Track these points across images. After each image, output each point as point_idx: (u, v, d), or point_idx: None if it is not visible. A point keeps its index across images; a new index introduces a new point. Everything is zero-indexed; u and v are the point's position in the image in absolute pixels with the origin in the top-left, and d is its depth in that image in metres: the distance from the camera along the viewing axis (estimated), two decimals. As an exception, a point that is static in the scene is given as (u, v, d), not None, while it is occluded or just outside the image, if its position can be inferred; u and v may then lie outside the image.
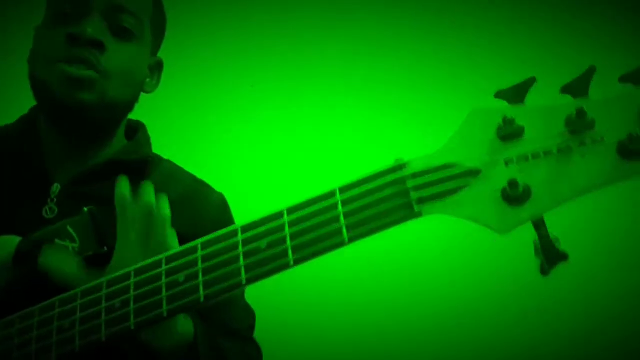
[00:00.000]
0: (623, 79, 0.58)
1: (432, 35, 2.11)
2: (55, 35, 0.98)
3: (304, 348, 1.89)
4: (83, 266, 0.85)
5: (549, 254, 0.55)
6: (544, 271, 0.55)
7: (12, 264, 0.91)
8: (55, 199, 1.01)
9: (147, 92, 1.11)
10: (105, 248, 0.93)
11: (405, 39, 2.11)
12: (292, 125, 2.07)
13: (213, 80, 2.08)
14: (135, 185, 1.02)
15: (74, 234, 0.93)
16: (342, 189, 0.62)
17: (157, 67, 1.13)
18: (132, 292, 0.73)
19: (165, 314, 0.70)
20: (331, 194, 0.63)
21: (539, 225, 0.56)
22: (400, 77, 2.09)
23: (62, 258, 0.84)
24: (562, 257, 0.54)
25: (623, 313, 1.99)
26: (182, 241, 1.00)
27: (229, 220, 1.11)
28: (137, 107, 1.09)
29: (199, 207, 1.08)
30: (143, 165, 1.07)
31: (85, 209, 0.93)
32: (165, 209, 0.76)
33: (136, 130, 1.13)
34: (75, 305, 0.77)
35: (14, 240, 0.93)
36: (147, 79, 1.10)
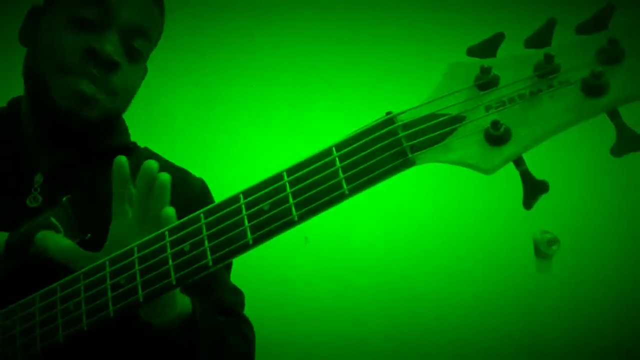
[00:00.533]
0: (579, 30, 0.65)
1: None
2: (71, 41, 0.97)
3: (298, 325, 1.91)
4: (76, 249, 0.86)
5: (530, 186, 0.62)
6: (527, 205, 0.62)
7: (2, 258, 0.92)
8: (39, 189, 1.01)
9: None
10: (89, 235, 0.95)
11: (388, 3, 2.14)
12: (291, 123, 2.08)
13: (213, 80, 2.07)
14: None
15: (58, 225, 0.94)
16: (338, 146, 0.67)
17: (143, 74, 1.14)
18: (137, 267, 0.75)
19: (174, 282, 0.72)
20: (328, 152, 0.67)
21: (520, 163, 0.63)
22: (384, 45, 2.12)
23: (57, 236, 0.85)
24: (543, 187, 0.60)
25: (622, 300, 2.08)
26: None
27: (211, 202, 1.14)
28: (136, 107, 1.11)
29: (181, 193, 1.10)
30: (123, 152, 1.09)
31: (64, 199, 0.95)
32: (165, 182, 0.78)
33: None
34: (79, 286, 0.78)
35: (1, 235, 0.94)
36: None
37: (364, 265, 1.99)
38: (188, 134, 1.94)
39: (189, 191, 1.11)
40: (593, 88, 0.60)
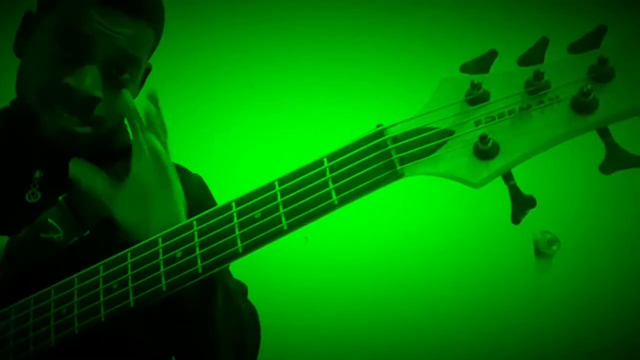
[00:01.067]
0: (571, 49, 0.66)
1: (406, 13, 2.16)
2: (53, 71, 0.97)
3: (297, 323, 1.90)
4: (108, 180, 0.90)
5: (518, 202, 0.62)
6: (515, 220, 0.62)
7: (3, 263, 0.93)
8: (38, 184, 1.03)
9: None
10: (88, 232, 0.96)
11: (383, 18, 2.16)
12: (291, 123, 2.08)
13: (213, 81, 2.08)
14: (114, 170, 1.03)
15: (56, 225, 0.95)
16: (329, 157, 0.68)
17: (144, 75, 1.13)
18: (129, 272, 0.76)
19: (164, 289, 0.73)
20: (319, 162, 0.68)
21: (508, 178, 0.63)
22: (379, 58, 2.12)
23: (89, 172, 0.89)
24: (530, 203, 0.61)
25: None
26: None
27: (210, 199, 1.15)
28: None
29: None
30: (123, 152, 1.10)
31: (60, 198, 0.96)
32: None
33: None
34: (72, 290, 0.79)
35: (1, 240, 0.95)
36: None
37: (364, 265, 1.97)
38: (188, 134, 1.93)
39: (186, 189, 1.12)
40: (582, 105, 0.61)
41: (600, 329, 2.03)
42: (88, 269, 0.80)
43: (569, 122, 0.61)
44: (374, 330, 1.94)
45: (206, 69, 2.06)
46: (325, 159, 0.68)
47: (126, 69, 1.00)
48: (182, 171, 1.16)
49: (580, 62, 0.63)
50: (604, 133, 0.62)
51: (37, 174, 1.04)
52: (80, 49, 0.96)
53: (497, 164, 0.62)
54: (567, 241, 2.06)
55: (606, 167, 0.61)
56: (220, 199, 1.18)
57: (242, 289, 1.13)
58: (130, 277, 0.76)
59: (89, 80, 0.95)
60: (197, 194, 1.12)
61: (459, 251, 2.02)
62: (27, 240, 0.96)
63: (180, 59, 1.96)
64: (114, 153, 1.08)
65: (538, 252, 2.06)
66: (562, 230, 2.05)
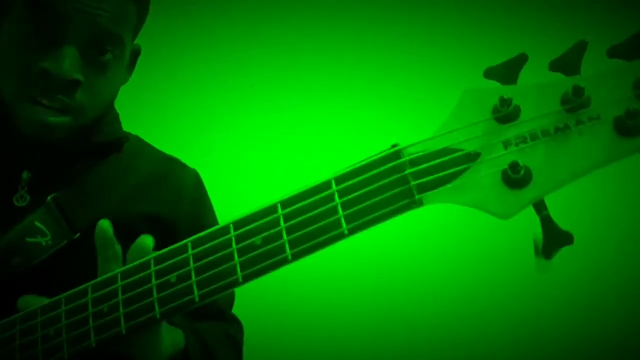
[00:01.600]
0: (612, 53, 0.57)
1: (419, 13, 2.09)
2: (29, 60, 0.88)
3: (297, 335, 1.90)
4: None
5: (552, 236, 0.55)
6: (548, 255, 0.55)
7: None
8: (26, 187, 0.96)
9: (122, 84, 1.04)
10: (78, 234, 0.90)
11: (396, 21, 2.09)
12: (291, 123, 2.04)
13: (213, 81, 2.02)
14: (105, 163, 1.00)
15: (43, 228, 0.90)
16: (338, 180, 0.60)
17: (133, 57, 1.04)
18: (120, 296, 0.70)
19: (158, 317, 0.67)
20: (327, 185, 0.61)
21: (540, 208, 0.56)
22: (391, 60, 2.07)
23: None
24: (567, 240, 0.54)
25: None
26: (161, 222, 0.99)
27: (205, 198, 1.09)
28: (136, 108, 1.04)
29: (175, 185, 1.05)
30: (112, 146, 1.03)
31: (48, 198, 0.90)
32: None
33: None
34: (59, 312, 0.74)
35: None
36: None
37: (364, 265, 1.96)
38: (187, 135, 1.89)
39: (182, 186, 1.06)
40: (628, 128, 0.53)
41: (601, 329, 2.02)
42: (76, 289, 0.74)
43: (612, 146, 0.54)
44: (373, 331, 1.94)
45: (206, 68, 2.01)
46: (333, 182, 0.61)
47: (107, 49, 0.91)
48: (178, 165, 1.10)
49: (624, 74, 0.55)
50: (649, 157, 0.55)
51: (25, 175, 0.97)
52: (56, 28, 0.87)
53: (529, 194, 0.55)
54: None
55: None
56: (219, 199, 1.13)
57: (229, 300, 1.08)
58: (121, 302, 0.70)
59: (68, 62, 0.87)
60: (193, 193, 1.05)
61: (459, 251, 2.00)
62: (11, 244, 0.90)
63: (180, 58, 1.90)
64: (98, 147, 1.01)
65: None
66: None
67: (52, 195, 0.91)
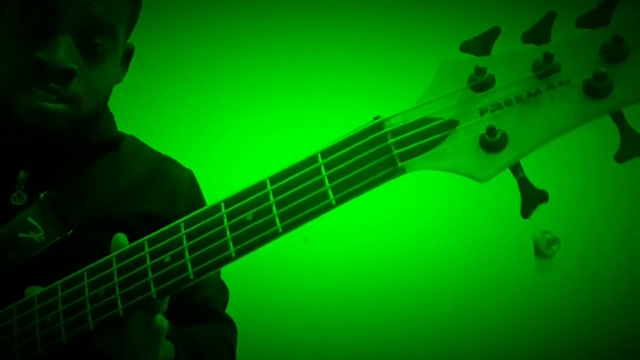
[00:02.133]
0: (580, 23, 0.60)
1: None
2: (23, 53, 0.90)
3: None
4: None
5: (529, 195, 0.58)
6: (525, 214, 0.58)
7: (-19, 263, 0.88)
8: (23, 186, 0.97)
9: (116, 83, 1.06)
10: (71, 231, 0.91)
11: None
12: (291, 123, 2.04)
13: (212, 81, 2.02)
14: (101, 162, 1.01)
15: (36, 224, 0.91)
16: (324, 153, 0.63)
17: (127, 56, 1.07)
18: (116, 279, 0.72)
19: (154, 296, 0.69)
20: (313, 159, 0.63)
21: (517, 170, 0.59)
22: (362, 42, 2.08)
23: None
24: (543, 197, 0.57)
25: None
26: (155, 221, 1.00)
27: (200, 197, 1.10)
28: (135, 108, 1.05)
29: (170, 185, 1.07)
30: (109, 146, 1.05)
31: (41, 195, 0.91)
32: None
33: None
34: (56, 298, 0.75)
35: None
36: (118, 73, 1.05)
37: (364, 265, 1.97)
38: (187, 135, 1.90)
39: (177, 185, 1.07)
40: (596, 89, 0.56)
41: (600, 329, 2.04)
42: (72, 275, 0.75)
43: (582, 108, 0.57)
44: (373, 331, 1.95)
45: (206, 68, 2.01)
46: (319, 156, 0.63)
47: (101, 40, 0.93)
48: (174, 164, 1.11)
49: (591, 41, 0.58)
50: (617, 117, 0.58)
51: (22, 174, 0.98)
52: (50, 20, 0.89)
53: (505, 156, 0.57)
54: (567, 241, 2.06)
55: (622, 155, 0.56)
56: (219, 199, 1.15)
57: (223, 299, 1.09)
58: (117, 285, 0.72)
59: (62, 51, 0.89)
60: (188, 192, 1.07)
61: (459, 251, 2.02)
62: (5, 239, 0.91)
63: (179, 59, 1.91)
64: (95, 147, 1.03)
65: (538, 252, 2.07)
66: (562, 230, 2.05)
67: (45, 192, 0.92)
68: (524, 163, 0.60)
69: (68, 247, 0.90)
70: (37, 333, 0.75)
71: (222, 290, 1.12)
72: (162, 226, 0.99)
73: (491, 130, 0.56)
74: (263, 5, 2.06)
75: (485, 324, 2.00)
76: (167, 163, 1.11)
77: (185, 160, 1.13)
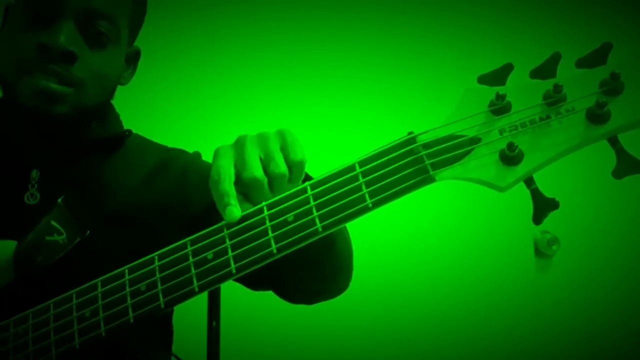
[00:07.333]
0: (579, 64, 0.72)
1: (432, 28, 2.19)
2: (27, 40, 0.96)
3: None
4: None
5: (540, 204, 0.67)
6: (537, 221, 0.67)
7: (13, 266, 0.92)
8: (36, 185, 1.01)
9: (122, 84, 1.10)
10: (88, 232, 0.95)
11: (407, 30, 2.18)
12: (292, 123, 2.08)
13: (213, 81, 2.05)
14: (111, 159, 1.05)
15: (59, 227, 0.95)
16: (361, 163, 0.71)
17: (134, 58, 1.12)
18: (158, 275, 0.77)
19: (197, 290, 0.75)
20: (351, 167, 0.72)
21: (530, 183, 0.68)
22: (396, 70, 2.15)
23: None
24: (553, 205, 0.66)
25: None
26: (170, 209, 1.04)
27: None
28: (137, 109, 1.11)
29: (179, 171, 1.11)
30: (116, 142, 1.09)
31: (59, 200, 0.94)
32: None
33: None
34: (96, 294, 0.80)
35: (10, 244, 0.94)
36: (123, 72, 1.10)
37: (364, 265, 1.99)
38: (188, 135, 1.92)
39: (186, 167, 1.11)
40: (597, 116, 0.67)
41: (600, 328, 2.08)
42: (112, 273, 0.80)
43: (584, 132, 0.67)
44: (373, 330, 1.96)
45: (207, 69, 2.05)
46: (357, 165, 0.71)
47: (102, 28, 0.98)
48: (179, 152, 1.15)
49: (592, 76, 0.69)
50: (614, 141, 0.68)
51: (34, 173, 1.02)
52: (51, 7, 0.95)
53: (522, 169, 0.67)
54: (567, 241, 2.12)
55: (618, 173, 0.67)
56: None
57: None
58: (159, 280, 0.77)
59: (64, 35, 0.94)
60: (199, 171, 1.09)
61: (460, 251, 2.06)
62: (35, 243, 0.95)
63: (181, 59, 1.94)
64: (103, 143, 1.07)
65: (538, 252, 2.11)
66: (562, 230, 2.11)
67: (61, 197, 0.94)
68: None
69: (88, 247, 0.94)
70: (74, 326, 0.79)
71: None
72: (177, 213, 1.04)
73: (511, 146, 0.66)
74: (263, 5, 2.13)
75: (485, 323, 2.03)
76: (174, 151, 1.16)
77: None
